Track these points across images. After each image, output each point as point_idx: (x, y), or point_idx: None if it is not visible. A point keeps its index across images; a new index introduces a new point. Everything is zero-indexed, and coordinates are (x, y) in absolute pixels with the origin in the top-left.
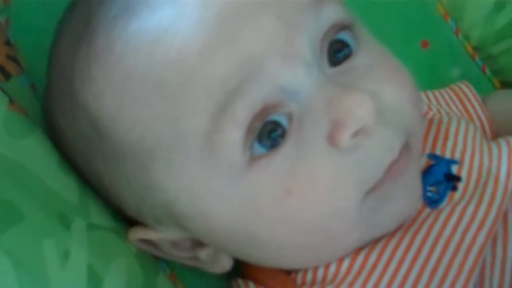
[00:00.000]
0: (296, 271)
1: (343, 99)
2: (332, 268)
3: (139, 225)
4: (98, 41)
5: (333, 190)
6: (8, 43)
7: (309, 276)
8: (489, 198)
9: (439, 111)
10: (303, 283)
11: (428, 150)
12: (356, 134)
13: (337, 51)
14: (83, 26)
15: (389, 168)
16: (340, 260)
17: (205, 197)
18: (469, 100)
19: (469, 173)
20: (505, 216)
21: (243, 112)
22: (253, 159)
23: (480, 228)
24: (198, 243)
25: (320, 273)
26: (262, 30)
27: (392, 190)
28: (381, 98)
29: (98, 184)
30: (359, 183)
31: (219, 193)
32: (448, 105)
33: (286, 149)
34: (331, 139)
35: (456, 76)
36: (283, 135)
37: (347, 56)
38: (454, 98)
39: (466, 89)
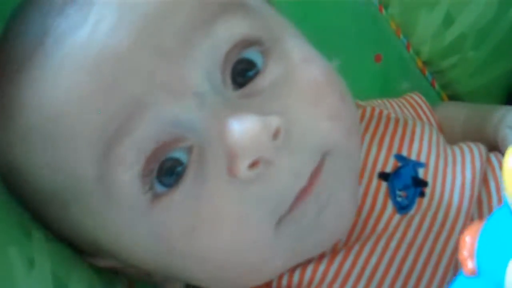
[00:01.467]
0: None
1: (232, 129)
2: (308, 273)
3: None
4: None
5: (241, 225)
6: None
7: (284, 282)
8: (457, 205)
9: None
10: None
11: (395, 150)
12: (254, 164)
13: (245, 70)
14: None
15: (298, 195)
16: (316, 265)
17: (121, 236)
18: (421, 107)
19: (435, 176)
20: (472, 223)
21: (130, 154)
22: (154, 197)
23: (450, 235)
24: None
25: (295, 278)
26: (139, 70)
27: (309, 217)
28: (290, 119)
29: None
30: (268, 214)
31: (133, 232)
32: (401, 110)
33: (186, 185)
34: (230, 171)
35: (406, 89)
36: (181, 171)
37: (256, 74)
38: (407, 105)
39: (417, 98)
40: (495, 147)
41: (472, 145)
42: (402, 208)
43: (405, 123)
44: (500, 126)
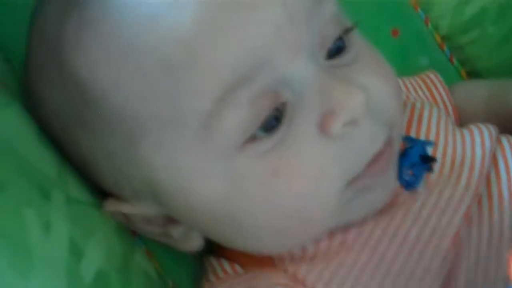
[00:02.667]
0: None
1: (337, 90)
2: (311, 248)
3: (114, 197)
4: (91, 9)
5: (318, 176)
6: None
7: (286, 255)
8: (465, 183)
9: (407, 97)
10: (280, 261)
11: (402, 133)
12: (346, 124)
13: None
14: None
15: (371, 161)
16: (318, 239)
17: (190, 176)
18: (436, 88)
19: (444, 155)
20: (480, 201)
21: (245, 100)
22: (248, 141)
23: (456, 211)
24: (170, 220)
25: (298, 252)
26: (271, 20)
27: (372, 184)
28: (369, 91)
29: (77, 155)
30: (343, 172)
31: (205, 173)
32: (416, 91)
33: (279, 135)
34: (322, 127)
35: (424, 64)
36: (277, 121)
37: (340, 51)
38: (422, 85)
39: (434, 78)
40: None
41: (481, 126)
42: (408, 185)
43: (413, 107)
44: None
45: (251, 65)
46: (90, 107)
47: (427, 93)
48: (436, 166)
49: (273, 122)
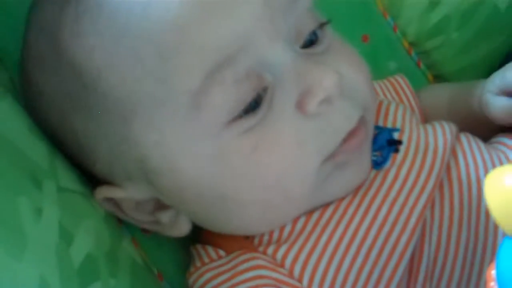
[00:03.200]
0: (253, 235)
1: (313, 71)
2: (288, 228)
3: (106, 185)
4: (86, 2)
5: (296, 151)
6: None
7: (265, 237)
8: (429, 167)
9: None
10: (260, 243)
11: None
12: (321, 102)
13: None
14: None
15: (346, 137)
16: (295, 219)
17: (178, 153)
18: (403, 91)
19: (409, 139)
20: (441, 186)
21: (230, 79)
22: (232, 120)
23: (421, 191)
24: (160, 206)
25: (276, 233)
26: (253, 9)
27: (348, 160)
28: (342, 75)
29: (72, 142)
30: (320, 148)
31: (192, 149)
32: (384, 94)
33: (260, 114)
34: (299, 105)
35: (393, 69)
36: (257, 101)
37: (313, 42)
38: (390, 88)
39: (401, 81)
40: (483, 120)
41: (443, 122)
42: (377, 164)
43: (380, 102)
44: (482, 94)
45: (234, 47)
46: (86, 90)
47: (394, 95)
48: (402, 148)
49: (254, 103)
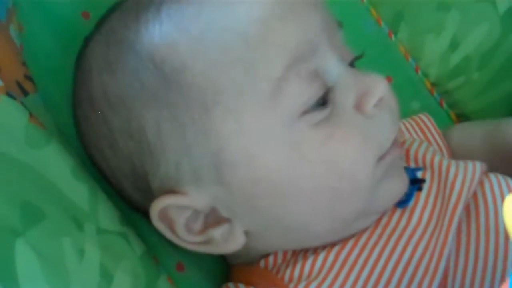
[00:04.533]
0: (284, 269)
1: (367, 77)
2: (318, 263)
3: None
4: (167, 8)
5: (362, 143)
6: (24, 64)
7: (296, 273)
8: (452, 206)
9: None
10: (290, 280)
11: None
12: (376, 104)
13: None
14: (137, 5)
15: (394, 141)
16: (327, 254)
17: (257, 142)
18: (429, 129)
19: (432, 177)
20: (468, 218)
21: (304, 74)
22: (302, 114)
23: (447, 231)
24: (213, 222)
25: (306, 268)
26: (319, 19)
27: (393, 166)
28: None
29: (135, 147)
30: (377, 145)
31: (270, 138)
32: (409, 133)
33: (327, 110)
34: (358, 106)
35: (416, 108)
36: (324, 99)
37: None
38: (415, 127)
39: (426, 120)
40: None
41: (471, 161)
42: (400, 203)
43: (403, 141)
44: None
45: (306, 48)
46: (166, 82)
47: (420, 133)
48: (425, 186)
49: (322, 101)
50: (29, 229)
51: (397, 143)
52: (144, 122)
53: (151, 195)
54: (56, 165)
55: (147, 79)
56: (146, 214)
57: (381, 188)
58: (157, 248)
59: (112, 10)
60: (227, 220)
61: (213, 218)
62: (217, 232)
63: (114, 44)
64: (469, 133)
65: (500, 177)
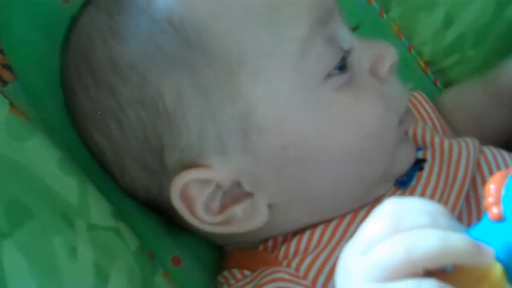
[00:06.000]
0: (279, 248)
1: (377, 45)
2: (315, 238)
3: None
4: None
5: (385, 105)
6: (1, 52)
7: (291, 249)
8: (452, 182)
9: None
10: (285, 257)
11: None
12: (390, 68)
13: None
14: None
15: (407, 108)
16: (324, 229)
17: (286, 103)
18: (422, 105)
19: (433, 156)
20: (468, 200)
21: (326, 36)
22: (325, 78)
23: (450, 206)
24: (234, 199)
25: (303, 244)
26: None
27: (406, 134)
28: None
29: (151, 113)
30: (396, 108)
31: (298, 99)
32: None
33: (347, 74)
34: (373, 71)
35: (410, 88)
36: (343, 64)
37: None
38: (409, 105)
39: (419, 96)
40: None
41: (465, 138)
42: (402, 184)
43: None
44: None
45: (326, 11)
46: (188, 45)
47: (414, 111)
48: (426, 166)
49: (342, 64)
50: (16, 230)
51: (410, 110)
52: (162, 89)
53: (163, 173)
54: (42, 158)
55: (164, 42)
56: (143, 203)
57: (398, 152)
58: (151, 241)
59: None
60: (249, 195)
61: (233, 195)
62: (239, 209)
63: (119, 12)
64: (464, 91)
65: (494, 149)
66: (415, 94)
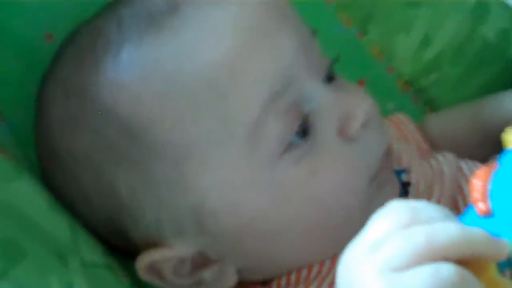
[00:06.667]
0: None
1: (349, 99)
2: (304, 271)
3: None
4: (127, 52)
5: (349, 172)
6: None
7: (283, 281)
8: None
9: None
10: (288, 284)
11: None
12: (362, 125)
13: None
14: (94, 45)
15: (384, 156)
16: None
17: (239, 190)
18: (405, 126)
19: (417, 180)
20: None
21: (281, 111)
22: (283, 152)
23: None
24: (202, 264)
25: (293, 276)
26: (295, 37)
27: (387, 180)
28: None
29: (111, 205)
30: (366, 168)
31: (253, 184)
32: None
33: (309, 143)
34: (341, 131)
35: (391, 109)
36: (304, 132)
37: (331, 79)
38: (392, 126)
39: (402, 118)
40: None
41: (444, 153)
42: None
43: None
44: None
45: (284, 79)
46: (134, 141)
47: (397, 131)
48: (411, 189)
49: (301, 133)
50: (12, 269)
51: (389, 152)
52: (115, 181)
53: (133, 246)
54: (31, 197)
55: (112, 137)
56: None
57: (374, 203)
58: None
59: (65, 46)
60: (216, 261)
61: (202, 260)
62: (207, 274)
63: (74, 94)
64: (448, 120)
65: (469, 162)
66: (399, 115)
